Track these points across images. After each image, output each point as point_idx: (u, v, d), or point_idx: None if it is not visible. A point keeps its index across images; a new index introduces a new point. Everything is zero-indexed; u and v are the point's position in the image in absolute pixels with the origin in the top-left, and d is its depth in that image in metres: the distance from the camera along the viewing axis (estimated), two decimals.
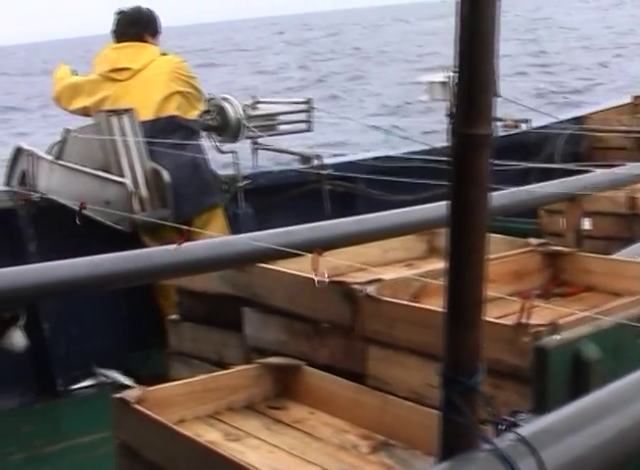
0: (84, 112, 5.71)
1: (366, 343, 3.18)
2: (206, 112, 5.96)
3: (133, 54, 5.75)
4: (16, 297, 2.33)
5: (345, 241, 2.82)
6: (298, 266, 3.38)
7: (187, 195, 5.48)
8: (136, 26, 5.88)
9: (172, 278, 3.61)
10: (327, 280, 3.20)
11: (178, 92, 5.68)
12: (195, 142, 5.73)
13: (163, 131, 5.52)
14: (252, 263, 2.89)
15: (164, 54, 5.88)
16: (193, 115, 5.81)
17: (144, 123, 5.46)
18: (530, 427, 1.67)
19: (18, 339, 4.71)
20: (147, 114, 5.55)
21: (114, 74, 5.69)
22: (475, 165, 1.32)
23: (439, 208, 3.34)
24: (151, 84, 5.63)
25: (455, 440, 1.50)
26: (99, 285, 2.39)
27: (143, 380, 5.42)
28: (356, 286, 3.21)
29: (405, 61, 35.81)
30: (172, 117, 5.63)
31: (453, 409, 1.43)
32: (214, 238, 5.09)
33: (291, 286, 3.40)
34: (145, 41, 5.85)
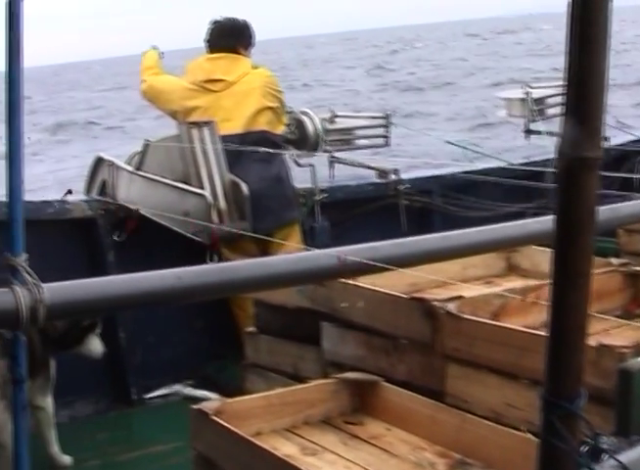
0: (172, 115, 5.71)
1: (445, 360, 3.16)
2: (286, 125, 5.98)
3: (227, 66, 5.76)
4: (98, 308, 2.35)
5: (427, 258, 2.79)
6: (380, 282, 3.38)
7: (270, 209, 5.50)
8: (230, 38, 5.87)
9: (255, 292, 3.62)
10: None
11: (269, 107, 5.69)
12: (280, 155, 5.75)
13: (252, 145, 5.53)
14: (335, 278, 2.89)
15: (256, 67, 5.89)
16: (280, 130, 5.81)
17: (233, 136, 5.49)
18: (630, 454, 1.64)
19: (95, 346, 4.77)
20: (237, 127, 5.57)
21: (209, 85, 5.70)
22: (582, 190, 1.29)
23: (522, 226, 3.32)
24: (243, 98, 5.64)
25: (554, 465, 1.47)
26: (181, 297, 2.40)
27: (217, 390, 5.46)
28: (436, 303, 3.19)
29: (481, 75, 35.50)
30: (263, 132, 5.64)
31: (553, 434, 1.41)
32: (297, 252, 5.13)
33: (371, 301, 3.39)
34: (238, 53, 5.85)
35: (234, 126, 5.55)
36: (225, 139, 5.45)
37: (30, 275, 2.07)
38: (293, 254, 2.50)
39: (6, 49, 2.20)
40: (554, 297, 1.39)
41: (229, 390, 4.91)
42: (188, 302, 3.86)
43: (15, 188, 2.16)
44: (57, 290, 2.09)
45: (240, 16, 6.14)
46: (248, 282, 2.33)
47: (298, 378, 3.74)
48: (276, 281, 2.36)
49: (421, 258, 2.83)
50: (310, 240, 5.90)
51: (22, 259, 2.08)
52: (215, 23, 5.97)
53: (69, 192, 5.57)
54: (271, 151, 5.51)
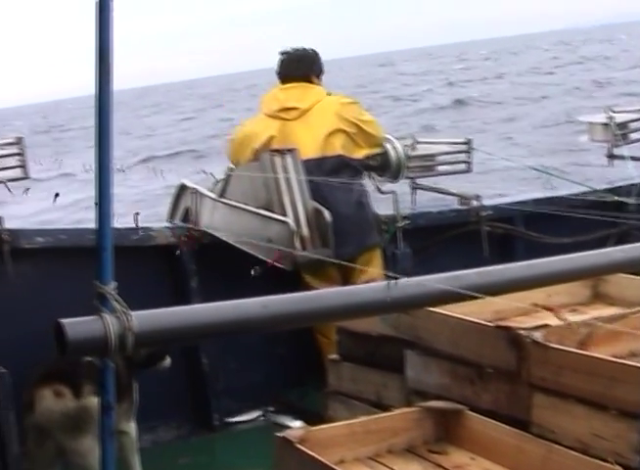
0: (255, 157, 5.65)
1: (531, 389, 3.12)
2: (374, 153, 5.97)
3: (300, 94, 5.79)
4: (185, 336, 2.37)
5: (512, 286, 2.78)
6: (463, 310, 3.35)
7: (351, 235, 5.50)
8: (301, 67, 5.92)
9: (341, 320, 3.62)
10: None
11: (341, 130, 5.68)
12: (359, 179, 5.77)
13: (330, 171, 5.55)
14: (420, 307, 2.88)
15: (329, 94, 5.91)
16: (358, 154, 5.81)
17: (310, 161, 5.51)
18: None
19: (166, 360, 4.86)
20: (312, 152, 5.58)
21: (283, 114, 5.73)
22: None
23: (606, 254, 3.28)
24: (316, 124, 5.67)
25: None
26: (267, 326, 2.41)
27: (299, 417, 5.47)
28: (522, 331, 3.16)
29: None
30: (339, 157, 5.65)
31: None
32: (379, 279, 5.13)
33: (456, 330, 3.37)
34: (310, 81, 5.90)
35: (310, 152, 5.57)
36: (304, 164, 5.46)
37: (119, 303, 2.10)
38: (377, 282, 2.51)
39: (96, 73, 2.20)
40: None
41: (310, 416, 4.91)
42: (273, 330, 3.88)
43: (104, 216, 2.17)
44: (145, 318, 2.11)
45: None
46: (334, 311, 2.34)
47: (382, 406, 3.72)
48: (362, 310, 2.35)
49: (506, 287, 2.82)
50: (392, 267, 5.88)
51: (111, 288, 2.11)
52: (284, 53, 6.02)
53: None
54: (347, 181, 5.52)
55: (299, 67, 5.94)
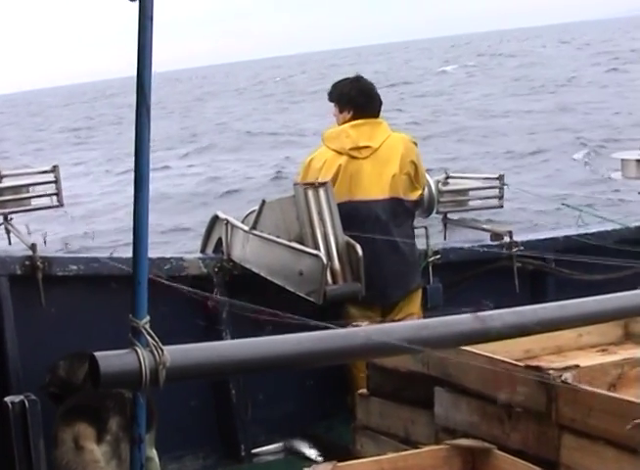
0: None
1: (561, 430, 3.11)
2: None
3: (370, 131, 5.76)
4: (217, 371, 2.38)
5: (544, 327, 2.77)
6: (492, 349, 3.35)
7: (403, 276, 5.69)
8: (374, 104, 5.88)
9: (376, 358, 3.62)
10: None
11: (406, 172, 5.71)
12: (411, 222, 5.88)
13: (393, 213, 5.66)
14: (455, 347, 2.88)
15: (393, 131, 5.92)
16: (414, 196, 5.83)
17: (377, 203, 5.61)
18: None
19: None
20: (378, 192, 5.64)
21: (355, 153, 5.69)
22: None
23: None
24: (384, 163, 5.67)
25: None
26: (301, 363, 2.41)
27: (325, 450, 5.46)
28: (553, 372, 3.16)
29: None
30: (400, 200, 5.70)
31: None
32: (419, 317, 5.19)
33: (485, 368, 3.36)
34: (378, 117, 5.87)
35: (375, 191, 5.63)
36: (370, 205, 5.59)
37: (152, 337, 2.12)
38: (418, 320, 2.53)
39: (139, 54, 2.09)
40: None
41: (337, 450, 4.92)
42: (306, 367, 3.89)
43: (141, 249, 2.16)
44: (178, 353, 2.13)
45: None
46: (368, 348, 2.34)
47: (410, 442, 3.72)
48: (395, 348, 2.35)
49: (538, 327, 2.81)
50: (423, 302, 5.91)
51: (144, 322, 2.12)
52: (354, 82, 5.93)
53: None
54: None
55: (372, 103, 5.88)
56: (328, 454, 5.31)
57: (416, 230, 6.09)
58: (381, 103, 5.93)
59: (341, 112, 5.88)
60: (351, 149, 5.69)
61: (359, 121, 5.79)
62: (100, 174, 28.59)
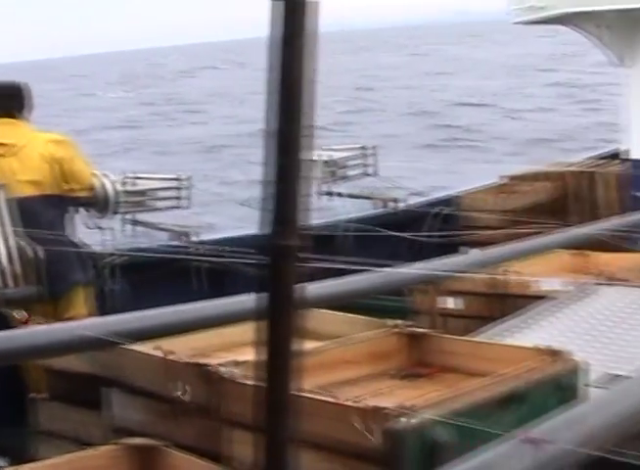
0: None
1: (229, 425, 3.22)
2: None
3: (9, 130, 5.72)
4: None
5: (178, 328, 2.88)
6: (168, 347, 3.45)
7: (61, 273, 5.53)
8: (6, 103, 5.84)
9: (42, 359, 3.61)
10: None
11: (51, 168, 5.63)
12: (72, 218, 5.77)
13: (41, 209, 5.56)
14: (113, 346, 2.93)
15: (37, 131, 5.86)
16: (73, 193, 5.78)
17: (23, 200, 5.49)
18: None
19: None
20: (25, 190, 5.55)
21: None
22: (284, 273, 1.45)
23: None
24: (27, 161, 5.59)
25: None
26: None
27: (7, 457, 5.35)
28: (220, 368, 3.25)
29: None
30: (48, 196, 5.62)
31: None
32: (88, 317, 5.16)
33: (155, 367, 3.43)
34: (14, 117, 5.81)
35: (22, 188, 5.54)
36: (23, 202, 5.46)
37: None
38: (80, 321, 2.54)
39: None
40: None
41: (19, 456, 4.83)
42: None
43: None
44: None
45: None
46: (35, 349, 2.34)
47: (89, 444, 3.71)
48: (58, 348, 2.37)
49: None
50: (108, 303, 5.92)
51: None
52: None
53: None
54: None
55: (4, 102, 5.82)
56: (10, 461, 5.22)
57: (99, 230, 6.08)
58: (21, 105, 5.88)
59: None
60: None
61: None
62: None
